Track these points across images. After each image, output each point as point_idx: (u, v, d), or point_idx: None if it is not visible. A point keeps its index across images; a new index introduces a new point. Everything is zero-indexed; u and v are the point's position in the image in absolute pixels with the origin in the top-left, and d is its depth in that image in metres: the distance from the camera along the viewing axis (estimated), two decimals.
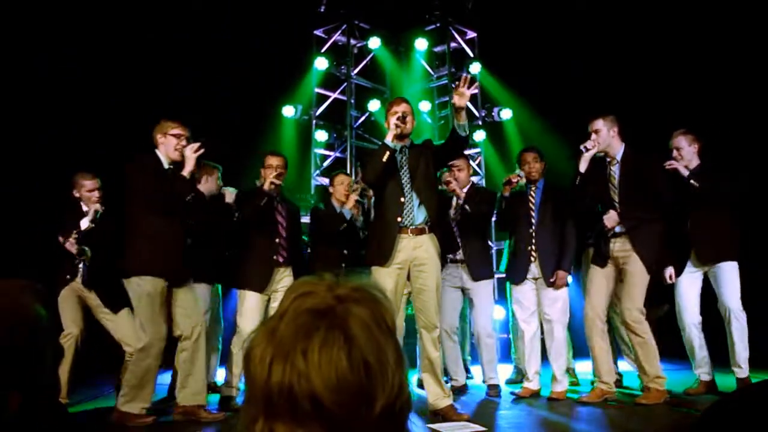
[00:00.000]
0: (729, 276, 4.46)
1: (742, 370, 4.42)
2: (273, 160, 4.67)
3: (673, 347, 5.83)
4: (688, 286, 4.61)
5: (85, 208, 4.73)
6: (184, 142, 4.02)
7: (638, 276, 4.26)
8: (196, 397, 4.02)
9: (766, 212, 5.66)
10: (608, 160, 4.47)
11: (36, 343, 1.31)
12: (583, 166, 4.37)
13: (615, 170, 4.41)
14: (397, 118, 4.01)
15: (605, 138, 4.39)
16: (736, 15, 6.56)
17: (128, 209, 3.98)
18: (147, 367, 3.87)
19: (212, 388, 4.94)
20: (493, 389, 4.96)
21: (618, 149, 4.42)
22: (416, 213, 4.00)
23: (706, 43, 6.68)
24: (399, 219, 3.97)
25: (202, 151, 3.99)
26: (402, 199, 3.99)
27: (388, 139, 4.02)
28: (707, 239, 4.50)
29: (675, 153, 4.62)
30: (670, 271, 4.63)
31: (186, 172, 3.96)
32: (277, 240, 4.64)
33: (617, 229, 4.35)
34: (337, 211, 5.14)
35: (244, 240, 4.68)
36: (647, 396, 4.24)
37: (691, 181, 4.46)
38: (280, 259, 4.62)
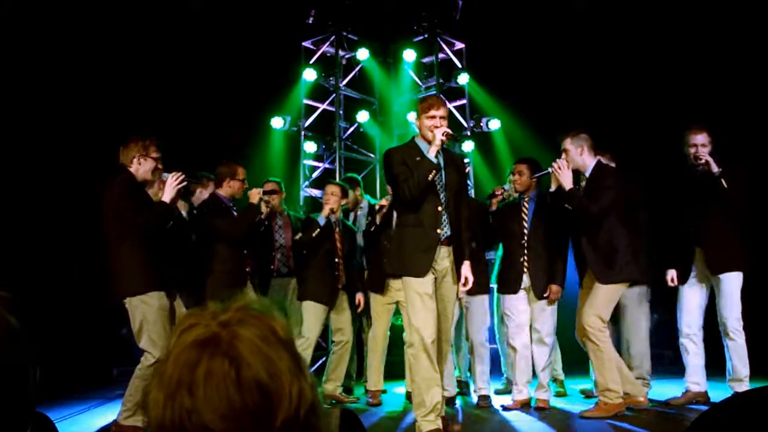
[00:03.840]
0: (730, 288, 4.33)
1: (741, 384, 4.32)
2: (332, 189, 5.13)
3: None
4: (692, 293, 4.56)
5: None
6: (161, 165, 4.05)
7: (600, 286, 4.23)
8: None
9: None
10: (580, 177, 4.48)
11: (14, 357, 1.26)
12: (553, 186, 4.39)
13: (583, 187, 4.42)
14: (444, 134, 3.74)
15: (574, 156, 4.38)
16: (720, 29, 6.63)
17: (111, 229, 3.93)
18: None
19: None
20: (484, 400, 4.92)
21: (588, 166, 4.41)
22: (450, 223, 3.85)
23: (695, 54, 6.74)
24: (439, 231, 3.78)
25: (184, 185, 4.06)
26: (439, 209, 3.81)
27: (432, 155, 3.74)
28: (713, 248, 4.40)
29: (698, 151, 4.42)
30: (672, 273, 4.61)
31: (167, 198, 3.96)
32: (336, 260, 5.07)
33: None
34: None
35: (307, 260, 5.12)
36: (594, 409, 4.19)
37: (721, 180, 4.32)
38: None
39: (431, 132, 3.79)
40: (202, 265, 4.63)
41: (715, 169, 4.36)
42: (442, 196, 3.82)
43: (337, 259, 5.13)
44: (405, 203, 3.84)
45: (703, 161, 4.38)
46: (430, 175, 3.70)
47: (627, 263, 4.24)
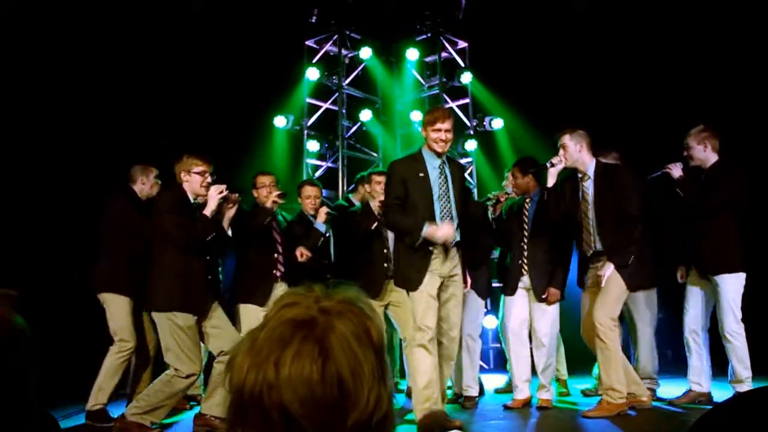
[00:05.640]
0: (724, 290, 4.31)
1: (742, 385, 4.29)
2: (266, 179, 4.87)
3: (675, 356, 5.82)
4: (697, 292, 4.54)
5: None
6: (209, 179, 4.08)
7: (613, 285, 4.16)
8: (221, 408, 4.00)
9: None
10: (579, 176, 4.39)
11: (16, 356, 1.26)
12: (550, 182, 4.34)
13: (588, 186, 4.34)
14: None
15: (572, 153, 4.32)
16: (720, 28, 6.61)
17: (156, 243, 4.00)
18: (177, 392, 3.92)
19: None
20: (470, 401, 4.86)
21: (588, 164, 4.34)
22: (459, 228, 4.03)
23: (696, 53, 6.73)
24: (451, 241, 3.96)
25: (226, 194, 4.07)
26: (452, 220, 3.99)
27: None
28: (706, 250, 4.39)
29: (686, 153, 4.52)
30: (682, 270, 4.63)
31: (208, 212, 3.99)
32: (275, 255, 4.77)
33: (598, 247, 4.28)
34: (313, 224, 4.99)
35: (243, 256, 4.85)
36: (597, 408, 4.17)
37: (677, 190, 4.38)
38: (278, 274, 4.75)
39: (436, 144, 3.98)
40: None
41: (675, 174, 4.42)
42: (453, 206, 4.00)
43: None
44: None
45: (666, 171, 4.47)
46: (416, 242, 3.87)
47: (639, 267, 4.24)
